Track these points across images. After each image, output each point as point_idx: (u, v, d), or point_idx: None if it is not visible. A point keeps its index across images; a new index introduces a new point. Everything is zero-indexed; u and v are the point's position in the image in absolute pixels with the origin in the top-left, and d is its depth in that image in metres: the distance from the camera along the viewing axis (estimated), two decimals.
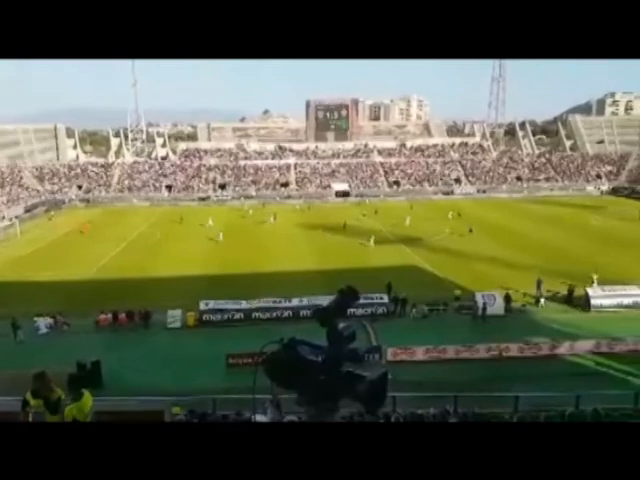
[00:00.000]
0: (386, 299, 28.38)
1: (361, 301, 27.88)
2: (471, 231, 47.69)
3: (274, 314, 27.33)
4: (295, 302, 27.17)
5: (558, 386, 18.99)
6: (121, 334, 26.11)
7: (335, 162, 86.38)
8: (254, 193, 77.22)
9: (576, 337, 24.06)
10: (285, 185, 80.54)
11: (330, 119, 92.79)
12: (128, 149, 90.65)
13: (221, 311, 27.56)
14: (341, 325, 1.98)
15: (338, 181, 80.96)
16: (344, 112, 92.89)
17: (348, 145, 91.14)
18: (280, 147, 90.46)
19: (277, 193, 77.82)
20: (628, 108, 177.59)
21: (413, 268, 36.87)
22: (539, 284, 29.56)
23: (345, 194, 77.26)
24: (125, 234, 49.41)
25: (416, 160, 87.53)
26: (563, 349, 23.29)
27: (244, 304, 27.91)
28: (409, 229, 49.99)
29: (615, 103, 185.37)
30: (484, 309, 27.22)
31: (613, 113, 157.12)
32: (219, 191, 78.24)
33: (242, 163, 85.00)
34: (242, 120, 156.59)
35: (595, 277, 30.62)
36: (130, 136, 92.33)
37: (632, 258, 37.06)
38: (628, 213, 57.56)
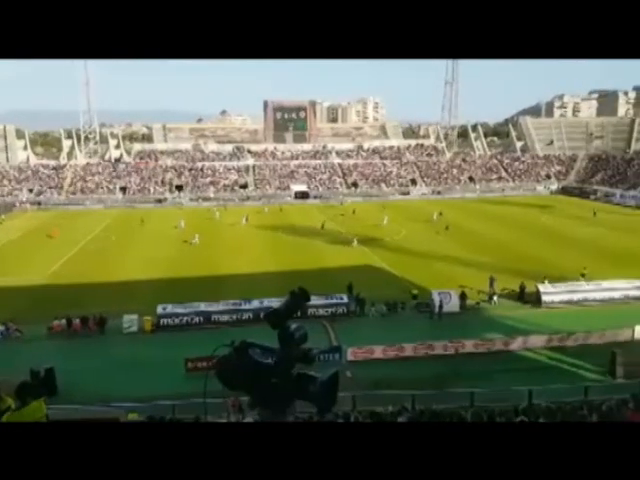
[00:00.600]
0: (346, 299, 28.60)
1: (321, 302, 28.11)
2: (447, 229, 49.49)
3: (234, 316, 27.11)
4: (255, 304, 27.01)
5: (512, 381, 19.58)
6: (76, 341, 25.37)
7: (294, 163, 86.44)
8: (212, 195, 76.35)
9: (528, 333, 24.76)
10: (244, 186, 80.00)
11: (288, 120, 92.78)
12: (81, 151, 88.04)
13: (179, 315, 27.14)
14: (293, 327, 1.98)
15: (297, 182, 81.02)
16: (302, 113, 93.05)
17: (307, 146, 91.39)
18: (238, 148, 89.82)
19: (236, 194, 77.20)
20: (576, 110, 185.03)
21: (372, 268, 37.27)
22: (492, 282, 30.41)
23: (304, 195, 77.39)
24: (78, 238, 47.98)
25: (373, 162, 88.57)
26: (516, 344, 23.99)
27: (203, 307, 27.58)
28: (369, 230, 50.49)
29: (563, 105, 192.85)
30: (440, 307, 27.77)
31: (561, 115, 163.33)
32: (176, 193, 76.99)
33: (199, 164, 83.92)
34: (199, 121, 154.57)
35: (586, 271, 32.08)
36: (83, 137, 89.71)
37: (581, 255, 38.58)
38: (577, 212, 59.94)
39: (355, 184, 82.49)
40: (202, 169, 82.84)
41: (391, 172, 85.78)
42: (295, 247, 43.93)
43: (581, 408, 15.09)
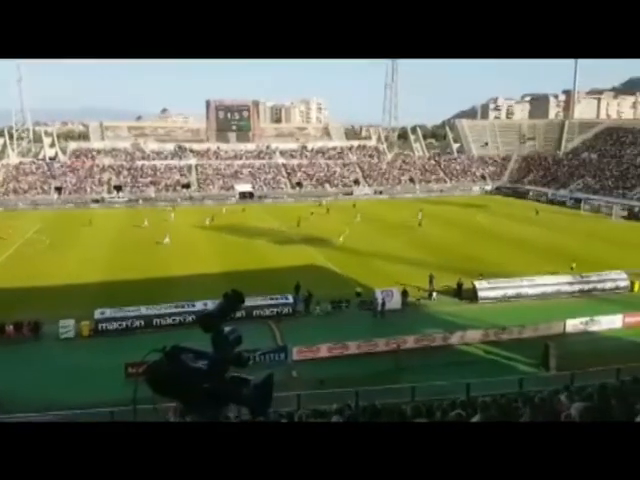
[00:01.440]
0: (291, 299, 28.70)
1: (267, 302, 28.11)
2: (420, 225, 51.99)
3: (177, 319, 26.59)
4: (199, 306, 26.53)
5: (451, 375, 20.22)
6: (10, 347, 24.17)
7: (238, 163, 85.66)
8: (153, 195, 74.54)
9: (466, 328, 25.65)
10: (186, 186, 78.53)
11: (231, 120, 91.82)
12: (13, 149, 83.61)
13: (118, 319, 26.35)
14: (226, 330, 1.95)
15: (241, 182, 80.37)
16: (245, 113, 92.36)
17: (250, 146, 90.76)
18: (180, 147, 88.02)
19: (178, 194, 75.67)
20: (509, 113, 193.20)
21: (317, 267, 37.55)
22: (431, 279, 31.37)
23: (249, 195, 76.91)
24: (11, 241, 45.63)
25: (317, 162, 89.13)
26: (454, 339, 24.85)
27: (144, 310, 26.91)
28: (313, 229, 50.78)
29: (497, 108, 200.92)
30: (383, 304, 28.36)
31: (496, 117, 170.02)
32: (114, 193, 74.57)
33: (139, 163, 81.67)
34: (138, 119, 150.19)
35: (574, 265, 34.01)
36: (15, 135, 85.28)
37: (514, 253, 40.40)
38: (510, 211, 62.65)
39: (300, 184, 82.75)
40: (142, 168, 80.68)
41: (335, 172, 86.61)
42: (243, 248, 43.61)
43: (516, 400, 15.80)
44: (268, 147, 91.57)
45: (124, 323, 26.28)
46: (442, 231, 50.39)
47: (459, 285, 30.89)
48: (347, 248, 43.03)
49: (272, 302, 28.16)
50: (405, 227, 52.07)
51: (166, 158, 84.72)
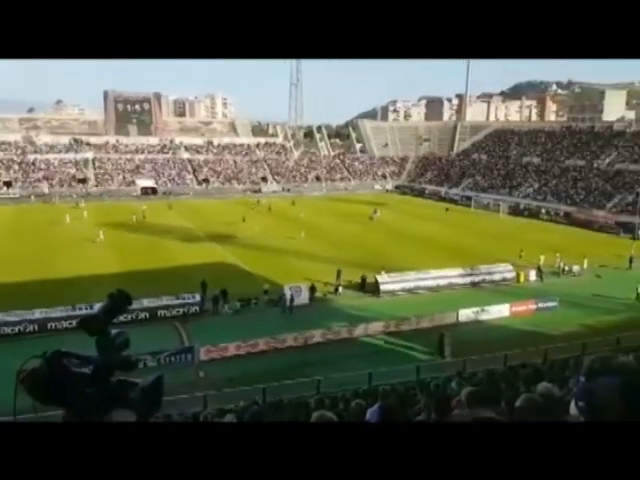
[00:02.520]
0: (198, 298, 28.30)
1: (172, 302, 27.50)
2: (371, 219, 55.09)
3: (72, 323, 25.26)
4: (97, 308, 25.40)
5: (355, 366, 20.95)
6: None
7: (139, 157, 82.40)
8: (47, 190, 69.78)
9: (369, 320, 26.64)
10: (83, 181, 74.36)
11: (131, 112, 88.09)
12: None
13: (9, 324, 24.60)
14: (113, 332, 1.84)
15: (143, 177, 77.45)
16: (146, 106, 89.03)
17: (153, 140, 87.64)
18: (76, 140, 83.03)
19: (74, 190, 71.42)
20: (407, 115, 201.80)
21: (225, 265, 37.26)
22: (339, 274, 32.38)
23: (152, 191, 74.32)
24: None
25: (224, 158, 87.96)
26: (359, 331, 25.78)
27: (37, 314, 25.32)
28: (221, 227, 50.20)
29: (396, 110, 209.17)
30: (292, 300, 28.81)
31: (395, 119, 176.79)
32: (4, 189, 68.94)
33: (31, 157, 76.07)
34: (30, 111, 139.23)
35: (523, 254, 36.86)
36: None
37: (412, 248, 42.60)
38: (408, 208, 65.83)
39: (206, 180, 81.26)
40: (34, 163, 75.24)
41: (242, 169, 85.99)
42: (150, 246, 42.21)
43: (413, 388, 16.81)
44: (172, 141, 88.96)
45: (16, 328, 24.57)
46: (347, 227, 51.88)
47: (363, 279, 32.10)
48: (256, 245, 43.06)
49: (178, 302, 27.62)
50: (313, 224, 53.03)
51: (60, 152, 79.58)
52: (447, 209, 64.71)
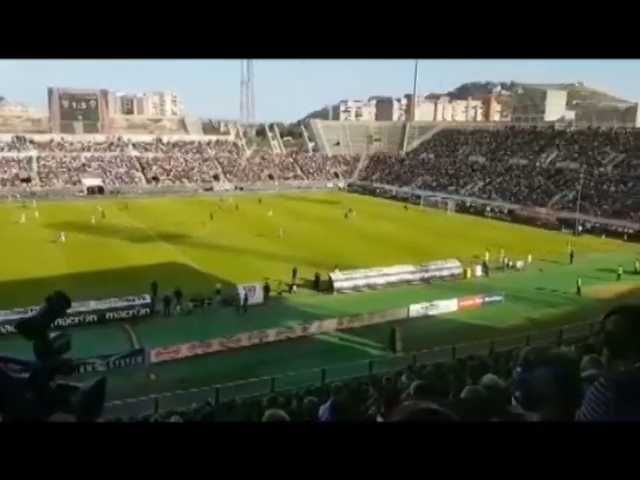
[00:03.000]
0: (149, 299, 27.74)
1: (121, 303, 26.83)
2: (346, 216, 56.05)
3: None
4: (36, 311, 24.42)
5: (310, 364, 21.09)
6: None
7: (85, 155, 79.78)
8: None
9: (323, 317, 26.88)
10: (26, 180, 71.33)
11: (77, 109, 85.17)
12: None
13: None
14: (52, 336, 1.78)
15: (90, 176, 75.04)
16: (93, 103, 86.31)
17: (99, 137, 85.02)
18: (19, 138, 79.50)
19: (17, 190, 68.38)
20: (358, 114, 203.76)
21: (177, 265, 36.66)
22: (294, 272, 32.48)
23: (99, 190, 72.13)
24: None
25: (174, 156, 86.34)
26: (313, 329, 25.99)
27: None
28: (172, 226, 49.31)
29: (347, 110, 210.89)
30: (246, 300, 28.68)
31: (346, 118, 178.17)
32: None
33: None
34: None
35: (487, 254, 37.53)
36: None
37: (365, 245, 43.18)
38: (360, 207, 66.55)
39: (156, 179, 79.55)
40: None
41: (193, 167, 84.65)
42: (103, 247, 41.06)
43: (366, 383, 17.06)
44: (119, 139, 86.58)
45: None
46: (301, 225, 52.01)
47: (317, 277, 32.31)
48: (208, 244, 42.58)
49: (127, 304, 27.00)
50: (267, 222, 52.89)
51: (2, 150, 76.00)
52: (405, 207, 66.09)
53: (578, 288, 31.28)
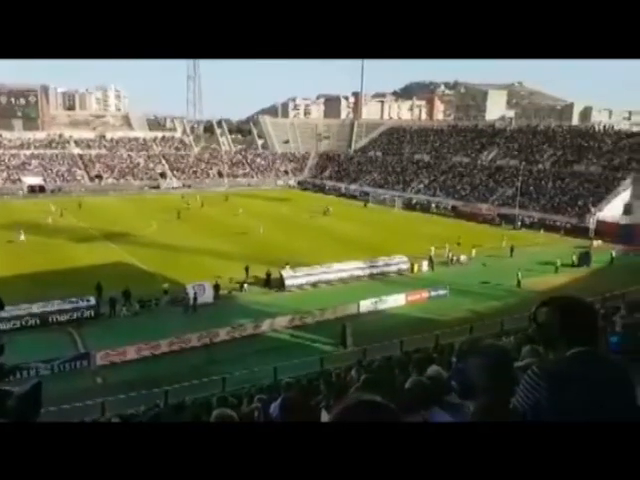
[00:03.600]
0: (93, 301, 26.96)
1: (65, 306, 25.96)
2: (325, 214, 56.76)
3: None
4: None
5: (262, 362, 21.05)
6: None
7: (25, 153, 76.39)
8: None
9: (275, 315, 26.96)
10: None
11: (16, 105, 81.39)
12: None
13: None
14: None
15: (30, 174, 71.91)
16: (32, 98, 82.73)
17: (40, 135, 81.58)
18: None
19: None
20: (307, 112, 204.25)
21: (122, 265, 35.74)
22: (247, 270, 32.41)
23: (39, 189, 69.22)
24: None
25: (118, 153, 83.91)
26: (265, 327, 26.01)
27: None
28: (117, 225, 47.97)
29: (296, 107, 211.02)
30: (195, 299, 28.34)
31: (295, 116, 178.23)
32: None
33: None
34: None
35: (460, 240, 38.78)
36: None
37: (316, 242, 43.45)
38: (311, 204, 66.86)
39: (99, 176, 77.08)
40: None
41: (138, 164, 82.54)
42: (44, 248, 39.48)
43: (317, 379, 17.23)
44: (61, 136, 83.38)
45: None
46: (252, 223, 51.72)
47: (268, 275, 32.30)
48: (154, 244, 41.75)
49: (71, 306, 26.15)
50: (216, 220, 52.34)
51: None
52: (365, 204, 67.13)
53: (518, 281, 32.66)
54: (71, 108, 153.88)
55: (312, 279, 32.79)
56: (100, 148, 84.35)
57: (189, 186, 79.69)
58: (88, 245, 41.03)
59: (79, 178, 75.99)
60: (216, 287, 30.01)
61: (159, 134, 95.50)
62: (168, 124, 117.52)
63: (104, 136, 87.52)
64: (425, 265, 36.91)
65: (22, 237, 41.34)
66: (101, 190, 72.39)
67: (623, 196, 53.95)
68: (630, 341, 4.49)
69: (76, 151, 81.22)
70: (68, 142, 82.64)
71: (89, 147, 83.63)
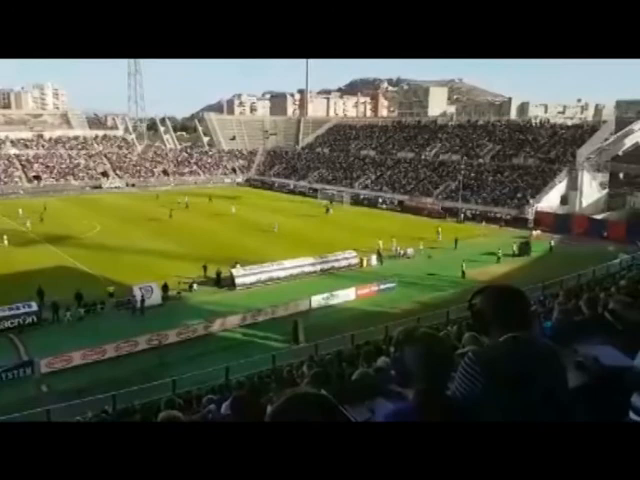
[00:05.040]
0: (35, 306, 25.94)
1: (4, 313, 24.91)
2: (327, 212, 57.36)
3: None
4: None
5: (213, 362, 20.83)
6: None
7: None
8: None
9: (226, 314, 26.75)
10: None
11: None
12: None
13: None
14: None
15: None
16: None
17: None
18: None
19: None
20: (253, 109, 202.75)
21: (64, 268, 34.50)
22: (205, 269, 32.24)
23: None
24: None
25: (57, 152, 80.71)
26: (216, 326, 25.76)
27: None
28: (55, 227, 46.17)
29: (242, 104, 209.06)
30: (142, 301, 27.76)
31: (241, 113, 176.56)
32: None
33: None
34: None
35: (381, 243, 38.87)
36: None
37: (265, 240, 43.38)
38: (259, 201, 66.65)
39: (38, 177, 73.91)
40: None
41: (79, 164, 79.69)
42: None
43: (268, 376, 17.27)
44: None
45: None
46: (200, 221, 51.04)
47: (218, 274, 32.00)
48: (97, 245, 40.55)
49: (10, 312, 25.09)
50: (159, 219, 51.27)
51: None
52: (331, 203, 65.89)
53: (462, 272, 33.78)
54: (6, 107, 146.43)
55: (263, 277, 32.74)
56: (38, 148, 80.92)
57: (133, 185, 77.66)
58: (28, 249, 39.33)
59: (16, 179, 72.65)
60: (164, 288, 29.47)
61: (100, 132, 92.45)
62: (109, 122, 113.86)
63: (42, 135, 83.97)
64: (374, 259, 37.55)
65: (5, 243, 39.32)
66: (41, 191, 69.44)
67: (559, 187, 56.50)
68: (564, 326, 4.82)
69: (12, 151, 77.62)
70: (4, 142, 78.83)
71: (26, 147, 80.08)
